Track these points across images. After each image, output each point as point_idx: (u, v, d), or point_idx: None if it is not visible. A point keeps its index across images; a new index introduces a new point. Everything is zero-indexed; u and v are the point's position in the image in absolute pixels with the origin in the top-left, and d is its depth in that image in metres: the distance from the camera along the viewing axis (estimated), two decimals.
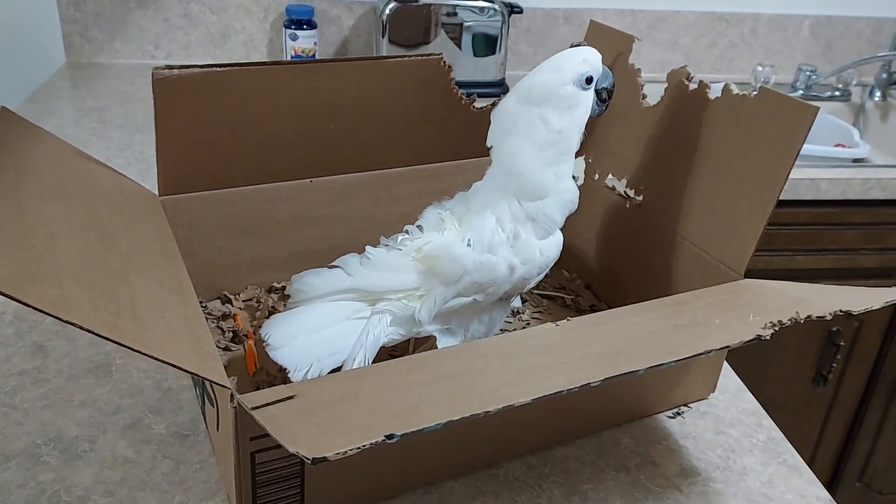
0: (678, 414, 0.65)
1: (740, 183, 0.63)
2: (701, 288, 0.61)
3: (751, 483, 0.59)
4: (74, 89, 1.35)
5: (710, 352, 0.49)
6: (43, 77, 1.40)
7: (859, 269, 1.35)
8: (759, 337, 0.49)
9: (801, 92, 1.61)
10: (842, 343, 1.38)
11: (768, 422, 0.65)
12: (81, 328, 0.39)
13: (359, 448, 0.38)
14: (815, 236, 1.31)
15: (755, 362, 1.39)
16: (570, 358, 0.51)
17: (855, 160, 1.34)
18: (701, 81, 0.67)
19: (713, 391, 0.68)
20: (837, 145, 1.40)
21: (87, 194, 0.57)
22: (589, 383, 0.45)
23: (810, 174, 1.24)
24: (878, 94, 1.65)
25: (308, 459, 0.38)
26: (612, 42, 0.77)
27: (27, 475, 0.55)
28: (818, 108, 0.57)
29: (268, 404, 0.44)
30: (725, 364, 0.69)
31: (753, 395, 0.69)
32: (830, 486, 1.56)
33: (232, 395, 0.46)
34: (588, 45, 0.74)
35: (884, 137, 1.60)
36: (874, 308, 0.52)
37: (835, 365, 1.40)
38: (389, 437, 0.39)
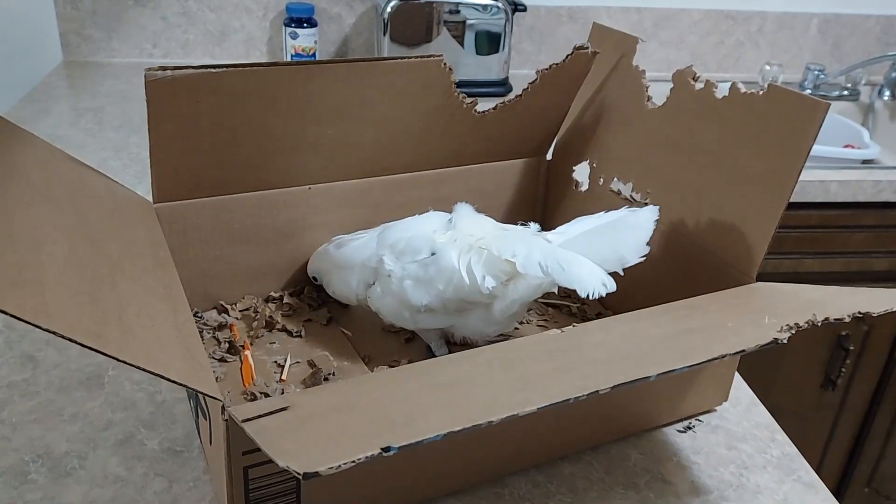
0: (689, 428, 0.63)
1: (750, 183, 0.61)
2: (711, 291, 0.59)
3: (765, 502, 0.57)
4: (71, 88, 1.33)
5: (724, 356, 0.46)
6: (39, 76, 1.38)
7: (869, 273, 1.33)
8: (775, 340, 0.47)
9: (809, 91, 1.59)
10: (851, 347, 1.36)
11: (782, 436, 0.63)
12: (63, 337, 0.37)
13: (353, 462, 0.36)
14: (824, 239, 1.28)
15: (764, 367, 1.37)
16: (576, 363, 0.49)
17: (864, 161, 1.32)
18: (707, 81, 0.65)
19: (725, 400, 0.65)
20: (846, 146, 1.38)
21: (77, 200, 0.55)
22: (598, 391, 0.43)
23: (820, 176, 1.22)
24: (887, 93, 1.63)
25: (299, 475, 0.36)
26: (615, 44, 0.75)
27: (13, 494, 0.53)
28: (829, 104, 0.55)
29: (260, 416, 0.42)
30: (737, 375, 0.67)
31: (761, 400, 0.67)
32: (838, 491, 1.54)
33: (223, 408, 0.44)
34: (591, 47, 0.72)
35: (894, 138, 1.58)
36: (894, 310, 0.49)
37: (844, 369, 1.38)
38: (385, 449, 0.37)
